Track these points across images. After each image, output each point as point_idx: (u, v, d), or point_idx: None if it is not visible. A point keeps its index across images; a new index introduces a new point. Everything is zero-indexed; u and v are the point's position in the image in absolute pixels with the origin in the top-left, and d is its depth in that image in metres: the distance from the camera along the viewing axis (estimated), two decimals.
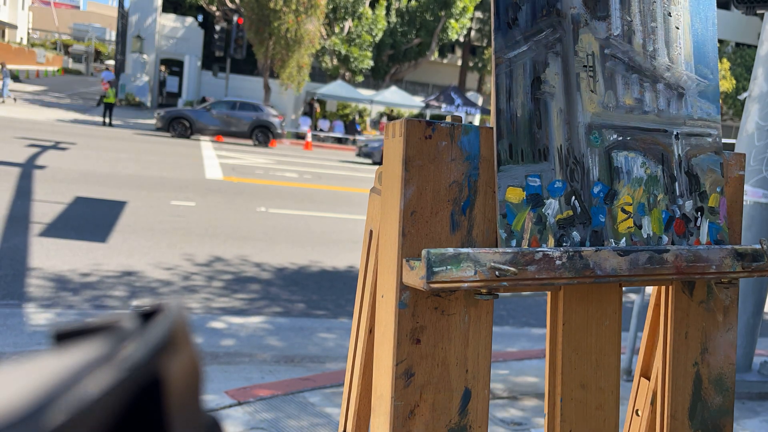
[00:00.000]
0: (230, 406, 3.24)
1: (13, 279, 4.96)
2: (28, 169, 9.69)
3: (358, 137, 22.87)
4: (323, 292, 5.58)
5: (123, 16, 28.09)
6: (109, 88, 19.17)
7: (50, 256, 5.56)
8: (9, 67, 28.95)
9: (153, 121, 18.55)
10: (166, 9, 28.58)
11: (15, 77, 34.94)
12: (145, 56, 26.44)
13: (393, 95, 24.98)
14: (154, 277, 5.39)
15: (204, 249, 6.42)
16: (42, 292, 4.77)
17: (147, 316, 0.27)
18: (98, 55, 63.96)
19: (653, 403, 1.35)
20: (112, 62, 28.90)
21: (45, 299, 4.65)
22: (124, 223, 7.09)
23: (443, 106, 24.55)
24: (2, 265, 5.24)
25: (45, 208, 7.31)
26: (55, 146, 12.83)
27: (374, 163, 18.00)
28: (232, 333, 4.42)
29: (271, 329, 4.59)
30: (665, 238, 1.25)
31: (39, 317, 4.32)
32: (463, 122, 1.11)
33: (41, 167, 10.06)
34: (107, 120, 19.02)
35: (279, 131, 19.24)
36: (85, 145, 13.61)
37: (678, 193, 1.27)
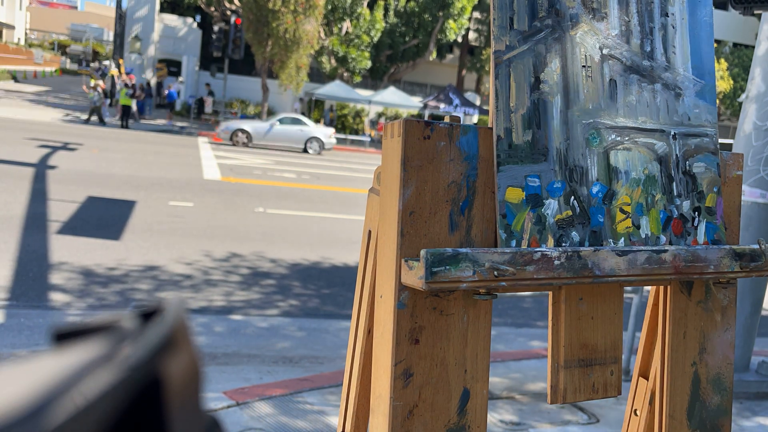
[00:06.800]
0: (228, 407, 3.24)
1: (37, 276, 4.96)
2: (41, 170, 9.82)
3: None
4: (322, 291, 5.57)
5: (121, 16, 28.04)
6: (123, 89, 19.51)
7: (70, 253, 5.56)
8: (6, 67, 28.83)
9: (158, 121, 18.25)
10: (164, 9, 28.55)
11: (13, 77, 34.84)
12: (143, 56, 26.42)
13: (391, 96, 24.97)
14: (149, 276, 5.38)
15: (202, 249, 6.41)
16: (68, 286, 4.77)
17: (147, 315, 0.27)
18: (96, 56, 63.89)
19: (651, 402, 1.35)
20: (107, 62, 28.80)
21: (71, 294, 4.64)
22: (127, 223, 7.08)
23: (441, 106, 24.54)
24: (26, 262, 5.24)
25: (60, 207, 7.43)
26: (64, 147, 12.93)
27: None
28: (230, 333, 4.42)
29: (267, 330, 4.59)
30: (663, 238, 1.26)
31: (64, 314, 4.31)
32: (461, 122, 1.11)
33: (53, 167, 10.17)
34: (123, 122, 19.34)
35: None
36: (92, 146, 13.65)
37: (676, 193, 1.28)
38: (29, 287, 4.85)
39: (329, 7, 23.96)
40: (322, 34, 24.34)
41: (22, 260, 5.42)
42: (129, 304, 4.75)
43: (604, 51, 1.22)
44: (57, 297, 4.73)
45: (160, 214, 7.88)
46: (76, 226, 6.79)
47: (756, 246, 1.29)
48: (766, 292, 4.24)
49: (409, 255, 1.05)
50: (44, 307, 4.54)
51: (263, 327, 4.63)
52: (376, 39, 25.01)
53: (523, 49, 1.14)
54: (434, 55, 27.89)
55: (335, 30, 24.72)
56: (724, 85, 26.42)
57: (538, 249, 1.09)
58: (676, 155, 1.28)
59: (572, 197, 1.17)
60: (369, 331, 1.25)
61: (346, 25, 24.82)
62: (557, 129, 1.17)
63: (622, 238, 1.22)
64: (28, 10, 62.77)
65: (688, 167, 1.29)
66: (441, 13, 25.42)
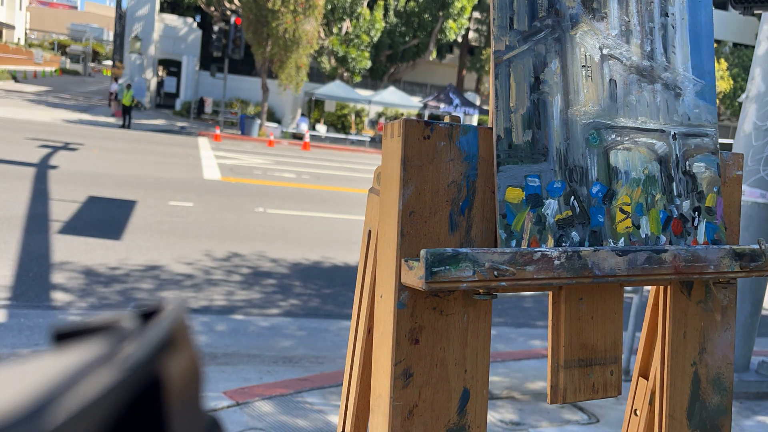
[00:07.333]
0: (228, 406, 3.24)
1: (37, 276, 4.96)
2: (42, 170, 9.84)
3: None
4: (322, 291, 5.57)
5: (121, 16, 28.04)
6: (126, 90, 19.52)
7: (71, 253, 5.55)
8: (6, 67, 28.86)
9: (158, 121, 17.85)
10: (164, 9, 28.54)
11: (14, 77, 34.86)
12: (143, 56, 26.42)
13: (391, 95, 24.96)
14: (150, 276, 5.38)
15: (202, 249, 6.41)
16: (69, 286, 4.77)
17: (147, 315, 0.27)
18: (96, 56, 63.94)
19: (651, 402, 1.35)
20: (110, 62, 28.91)
21: (71, 293, 4.64)
22: (129, 223, 7.08)
23: (441, 106, 24.53)
24: (27, 261, 5.23)
25: (60, 207, 7.44)
26: (65, 147, 12.94)
27: None
28: (230, 332, 4.42)
29: (268, 329, 4.59)
30: (663, 238, 1.26)
31: (65, 313, 4.31)
32: (461, 122, 1.11)
33: (54, 167, 10.19)
34: (125, 122, 19.28)
35: None
36: (93, 146, 13.67)
37: (676, 193, 1.28)
38: (30, 287, 4.85)
39: (329, 7, 23.95)
40: (322, 34, 24.33)
41: (23, 260, 5.42)
42: (130, 304, 4.75)
43: (604, 51, 1.22)
44: (57, 297, 4.73)
45: (160, 214, 7.87)
46: (76, 225, 6.79)
47: (756, 246, 1.29)
48: (766, 292, 4.24)
49: (409, 255, 1.05)
50: (44, 306, 4.54)
51: (264, 326, 4.63)
52: (376, 39, 24.99)
53: (523, 49, 1.14)
54: (434, 55, 27.87)
55: (335, 30, 24.71)
56: (724, 85, 26.41)
57: (538, 249, 1.09)
58: (676, 155, 1.28)
59: (572, 197, 1.17)
60: (369, 331, 1.25)
61: (346, 25, 24.81)
62: (557, 129, 1.17)
63: (622, 238, 1.22)
64: (28, 10, 62.77)
65: (688, 167, 1.29)
66: (441, 13, 25.41)
